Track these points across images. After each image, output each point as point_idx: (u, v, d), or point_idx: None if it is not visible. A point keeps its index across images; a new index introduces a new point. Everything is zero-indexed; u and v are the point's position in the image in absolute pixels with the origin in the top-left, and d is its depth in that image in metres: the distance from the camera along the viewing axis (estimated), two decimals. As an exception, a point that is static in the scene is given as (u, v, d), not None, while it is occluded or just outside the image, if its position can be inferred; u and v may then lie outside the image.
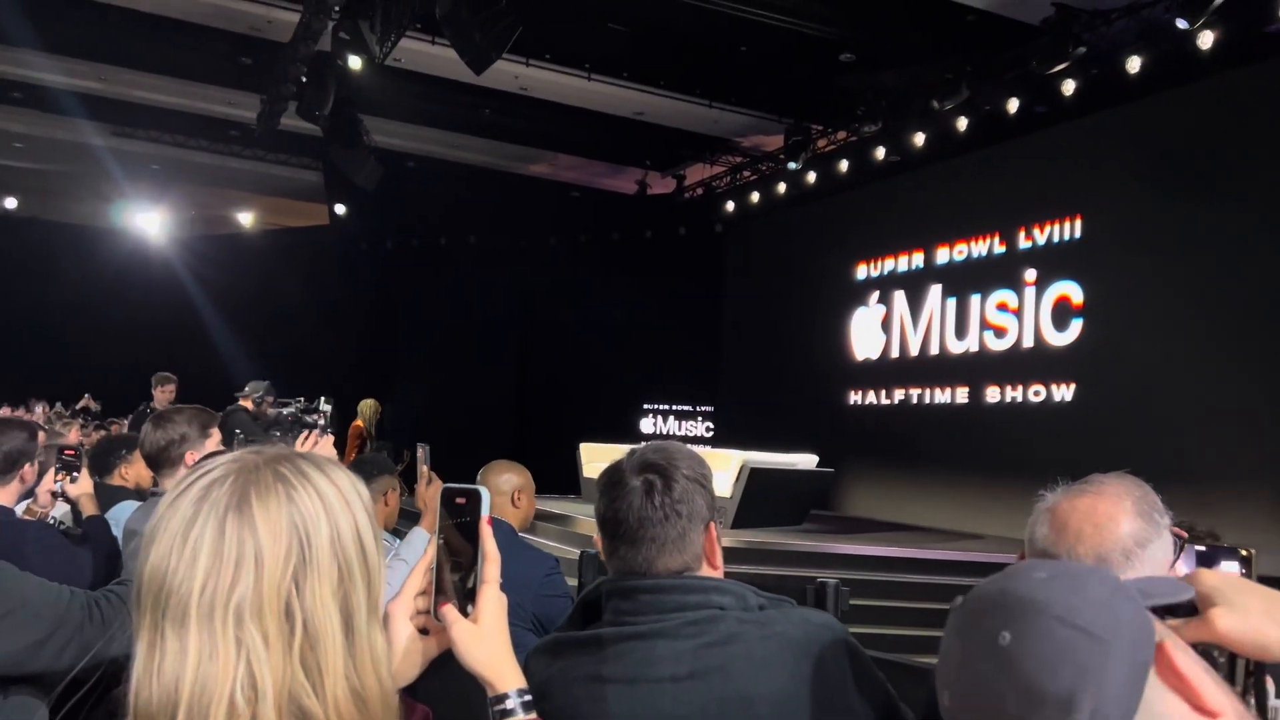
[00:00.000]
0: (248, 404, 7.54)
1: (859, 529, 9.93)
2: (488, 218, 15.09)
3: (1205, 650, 0.73)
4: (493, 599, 1.06)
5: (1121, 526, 1.15)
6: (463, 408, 14.30)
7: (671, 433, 15.12)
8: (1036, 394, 10.70)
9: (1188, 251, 9.12)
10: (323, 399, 8.15)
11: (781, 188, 13.55)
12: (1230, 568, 1.56)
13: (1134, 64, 8.96)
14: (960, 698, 0.65)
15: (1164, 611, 0.74)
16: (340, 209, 14.03)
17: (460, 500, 1.07)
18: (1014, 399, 10.97)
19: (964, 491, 10.99)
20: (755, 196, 14.16)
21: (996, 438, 10.76)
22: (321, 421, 7.67)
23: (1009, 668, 0.61)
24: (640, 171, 14.80)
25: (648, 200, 15.14)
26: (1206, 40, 8.32)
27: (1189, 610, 0.75)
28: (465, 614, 1.05)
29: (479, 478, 3.19)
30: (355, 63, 9.27)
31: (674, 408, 15.24)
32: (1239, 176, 8.74)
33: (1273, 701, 0.77)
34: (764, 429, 12.31)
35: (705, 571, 1.38)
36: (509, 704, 1.05)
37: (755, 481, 8.69)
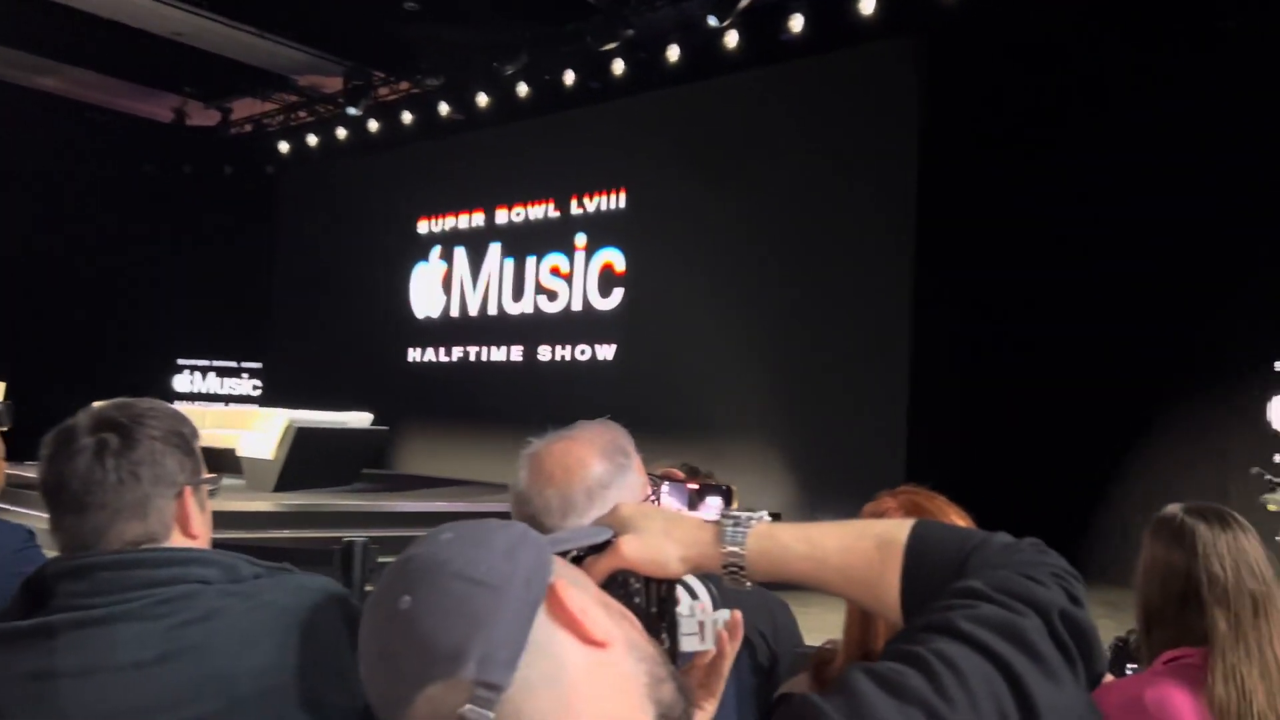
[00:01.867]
0: None
1: (413, 486, 9.95)
2: (-22, 133, 12.63)
3: (625, 578, 0.79)
4: None
5: (590, 469, 1.22)
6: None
7: (213, 391, 13.94)
8: (583, 353, 11.47)
9: (713, 230, 10.28)
10: None
11: (341, 133, 13.01)
12: (714, 501, 1.77)
13: (674, 53, 9.83)
14: (366, 668, 0.65)
15: (589, 553, 0.78)
16: None
17: None
18: (564, 358, 11.66)
19: (519, 446, 11.46)
20: (313, 139, 13.44)
21: (549, 394, 11.35)
22: None
23: (407, 630, 0.61)
24: (178, 99, 13.31)
25: (187, 132, 13.68)
26: (732, 40, 9.37)
27: None
28: None
29: (-75, 442, 2.66)
30: None
31: (215, 364, 14.04)
32: (755, 166, 10.00)
33: (687, 602, 0.84)
34: (319, 387, 11.83)
35: (179, 541, 1.24)
36: None
37: (303, 442, 8.34)
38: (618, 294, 11.26)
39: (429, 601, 0.61)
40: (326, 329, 13.80)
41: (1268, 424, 7.59)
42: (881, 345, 9.01)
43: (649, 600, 0.80)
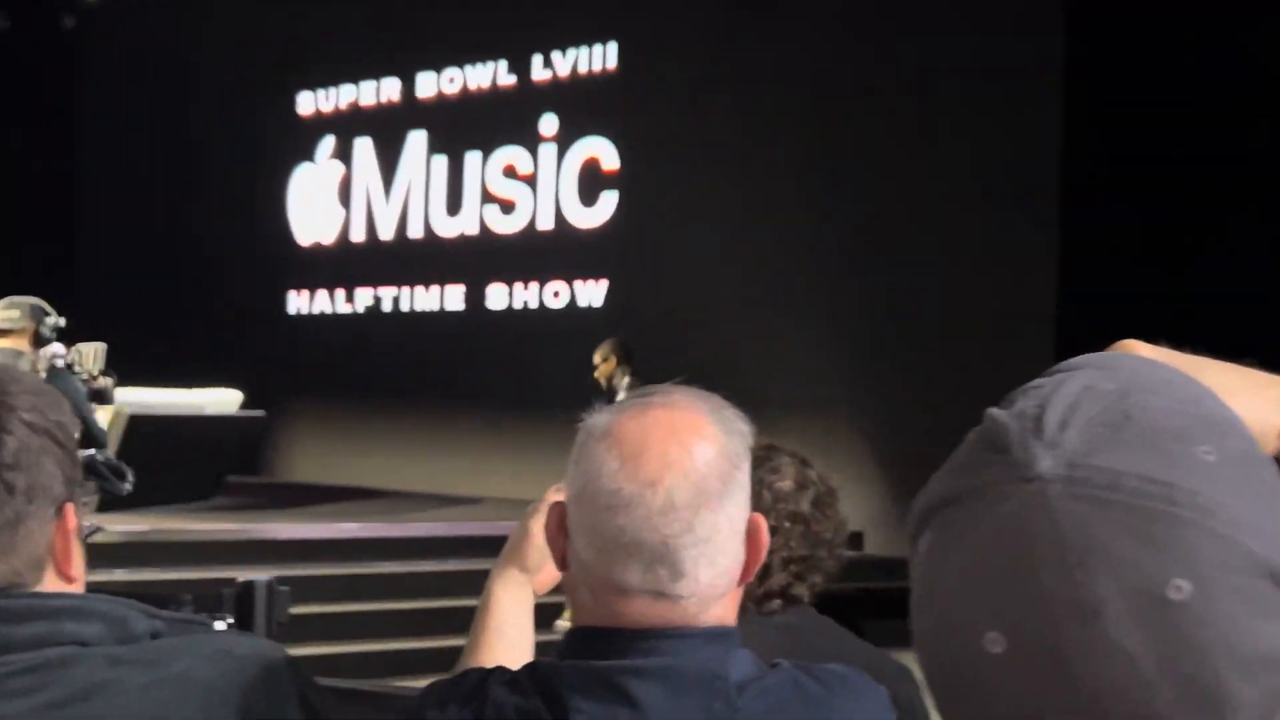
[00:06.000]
0: None
1: (305, 500, 9.99)
2: None
3: None
4: None
5: (712, 443, 1.26)
6: None
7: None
8: (557, 295, 11.43)
9: (752, 103, 10.18)
10: None
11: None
12: None
13: None
14: (1101, 694, 0.57)
15: None
16: None
17: None
18: (526, 303, 11.62)
19: (458, 437, 11.48)
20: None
21: (503, 358, 11.32)
22: None
23: (1188, 631, 0.56)
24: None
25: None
26: None
27: None
28: None
29: None
30: None
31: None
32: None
33: None
34: (153, 351, 11.80)
35: (53, 585, 1.27)
36: None
37: (140, 436, 8.38)
38: (608, 203, 11.21)
39: (1226, 609, 0.56)
40: (162, 262, 13.73)
41: None
42: (1016, 283, 8.98)
43: None
